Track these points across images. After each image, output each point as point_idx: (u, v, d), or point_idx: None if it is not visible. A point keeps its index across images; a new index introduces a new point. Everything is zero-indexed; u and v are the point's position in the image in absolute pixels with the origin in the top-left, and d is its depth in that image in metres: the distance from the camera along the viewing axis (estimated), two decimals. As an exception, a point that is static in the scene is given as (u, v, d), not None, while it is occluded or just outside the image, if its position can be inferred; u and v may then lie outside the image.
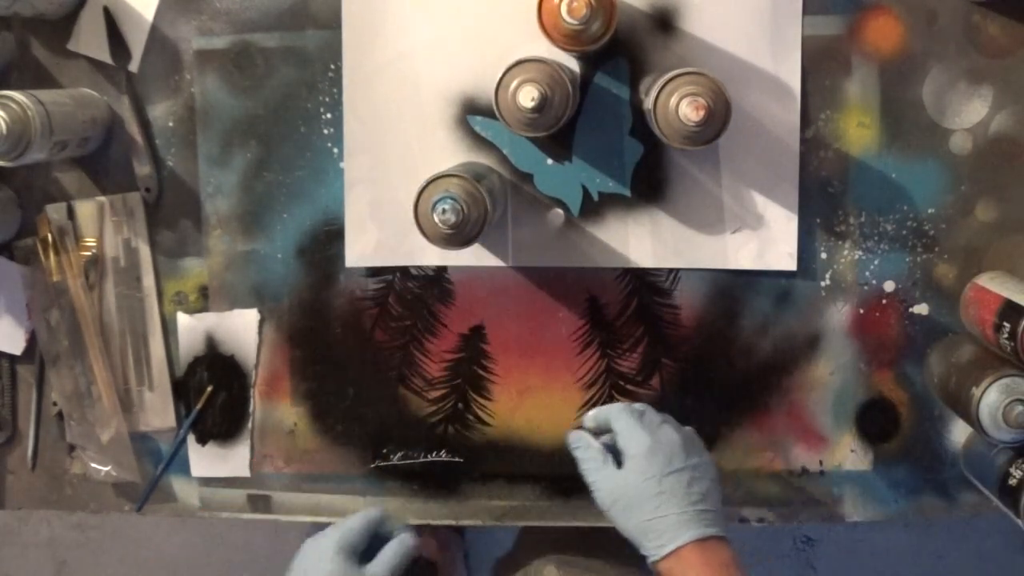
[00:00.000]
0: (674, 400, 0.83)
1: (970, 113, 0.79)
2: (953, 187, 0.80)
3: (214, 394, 0.85)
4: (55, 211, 0.85)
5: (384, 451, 0.85)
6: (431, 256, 0.83)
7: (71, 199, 0.85)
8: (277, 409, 0.86)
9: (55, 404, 0.87)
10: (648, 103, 0.72)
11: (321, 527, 0.72)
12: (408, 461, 0.85)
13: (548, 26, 0.68)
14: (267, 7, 0.82)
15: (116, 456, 0.86)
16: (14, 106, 0.73)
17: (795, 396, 0.83)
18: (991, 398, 0.70)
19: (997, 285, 0.75)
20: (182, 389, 0.86)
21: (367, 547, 0.70)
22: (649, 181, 0.81)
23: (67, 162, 0.84)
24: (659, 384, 0.83)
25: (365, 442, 0.85)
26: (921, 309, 0.81)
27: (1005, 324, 0.70)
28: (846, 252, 0.81)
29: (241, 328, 0.85)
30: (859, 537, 1.56)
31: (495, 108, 0.69)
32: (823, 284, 0.81)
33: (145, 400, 0.86)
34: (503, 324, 0.84)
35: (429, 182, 0.70)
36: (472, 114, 0.81)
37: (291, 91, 0.83)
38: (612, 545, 0.82)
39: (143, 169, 0.84)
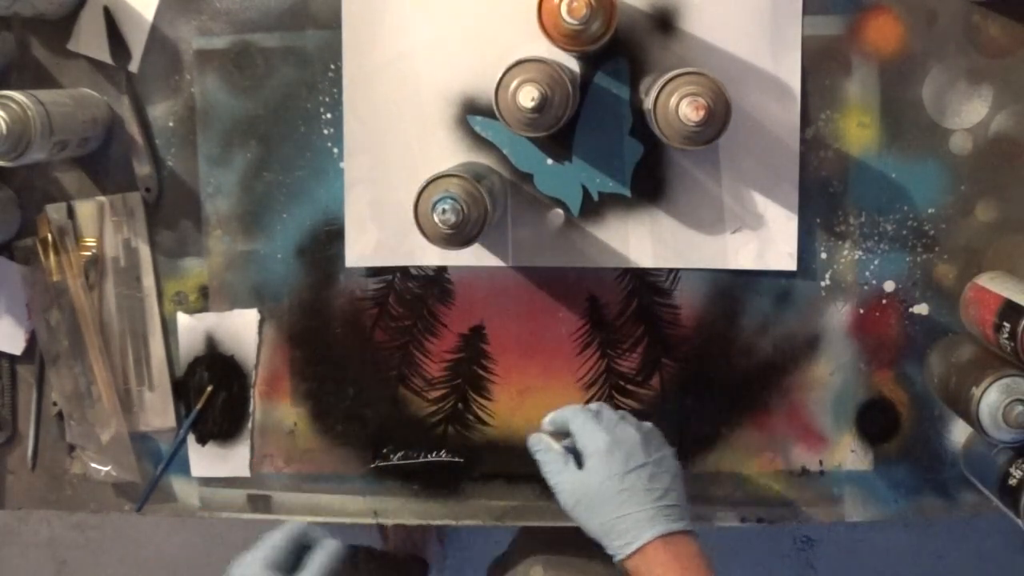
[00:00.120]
0: (674, 400, 0.83)
1: (970, 113, 0.79)
2: (953, 187, 0.80)
3: (214, 394, 0.85)
4: (55, 211, 0.85)
5: (384, 451, 0.85)
6: (431, 256, 0.83)
7: (71, 199, 0.85)
8: (277, 409, 0.86)
9: (55, 404, 0.87)
10: (648, 103, 0.72)
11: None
12: (408, 461, 0.85)
13: (548, 26, 0.68)
14: (267, 7, 0.82)
15: (116, 456, 0.86)
16: (14, 106, 0.73)
17: (795, 396, 0.83)
18: (991, 398, 0.70)
19: (997, 285, 0.75)
20: (182, 389, 0.86)
21: (296, 561, 0.69)
22: (649, 181, 0.81)
23: (67, 162, 0.84)
24: (659, 384, 0.83)
25: (365, 442, 0.85)
26: (921, 309, 0.81)
27: (1005, 324, 0.70)
28: (846, 252, 0.81)
29: (241, 328, 0.85)
30: (859, 537, 1.56)
31: (495, 108, 0.69)
32: (823, 284, 0.81)
33: (145, 400, 0.86)
34: (503, 324, 0.84)
35: (429, 182, 0.70)
36: (472, 114, 0.81)
37: (291, 91, 0.83)
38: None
39: (143, 169, 0.84)
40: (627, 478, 0.67)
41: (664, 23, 0.79)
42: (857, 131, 0.80)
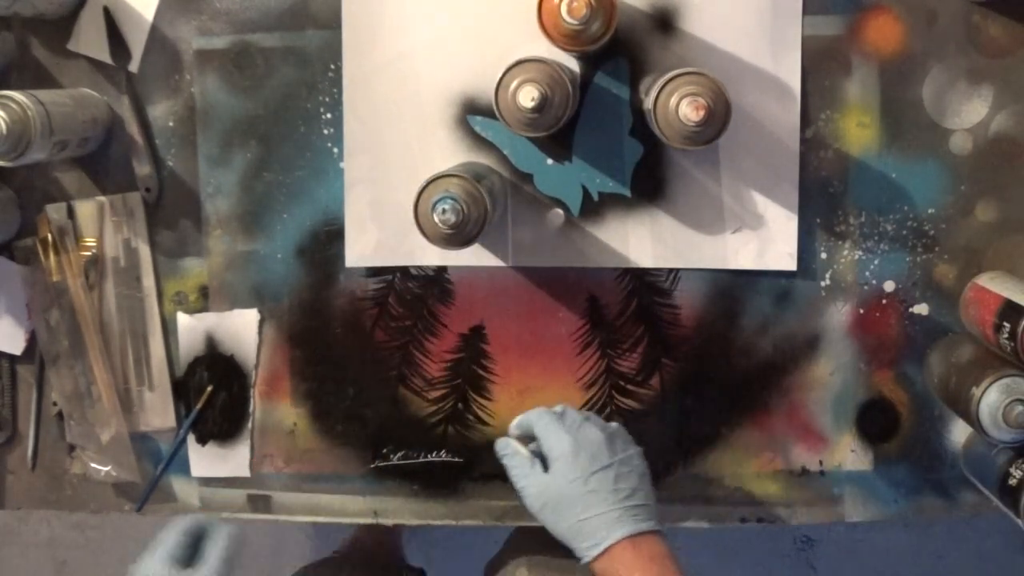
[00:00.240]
0: (674, 400, 0.83)
1: (970, 113, 0.79)
2: (953, 187, 0.80)
3: (214, 394, 0.85)
4: (55, 211, 0.85)
5: (384, 451, 0.85)
6: (431, 256, 0.83)
7: (71, 199, 0.85)
8: (277, 409, 0.86)
9: (55, 404, 0.87)
10: (648, 103, 0.72)
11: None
12: (408, 461, 0.85)
13: (548, 26, 0.68)
14: (267, 7, 0.82)
15: (116, 456, 0.86)
16: (14, 106, 0.73)
17: (795, 396, 0.83)
18: (991, 398, 0.70)
19: (997, 285, 0.75)
20: (182, 389, 0.86)
21: (195, 552, 0.69)
22: (649, 181, 0.81)
23: (67, 162, 0.84)
24: (659, 384, 0.83)
25: (365, 442, 0.85)
26: (921, 309, 0.81)
27: (1005, 324, 0.70)
28: (846, 252, 0.81)
29: (241, 328, 0.85)
30: (859, 537, 1.56)
31: (495, 108, 0.69)
32: (823, 284, 0.81)
33: (145, 400, 0.86)
34: (503, 324, 0.84)
35: (429, 182, 0.70)
36: (472, 114, 0.81)
37: (291, 91, 0.83)
38: None
39: (143, 169, 0.84)
40: (592, 479, 0.66)
41: (664, 23, 0.79)
42: (857, 131, 0.80)
